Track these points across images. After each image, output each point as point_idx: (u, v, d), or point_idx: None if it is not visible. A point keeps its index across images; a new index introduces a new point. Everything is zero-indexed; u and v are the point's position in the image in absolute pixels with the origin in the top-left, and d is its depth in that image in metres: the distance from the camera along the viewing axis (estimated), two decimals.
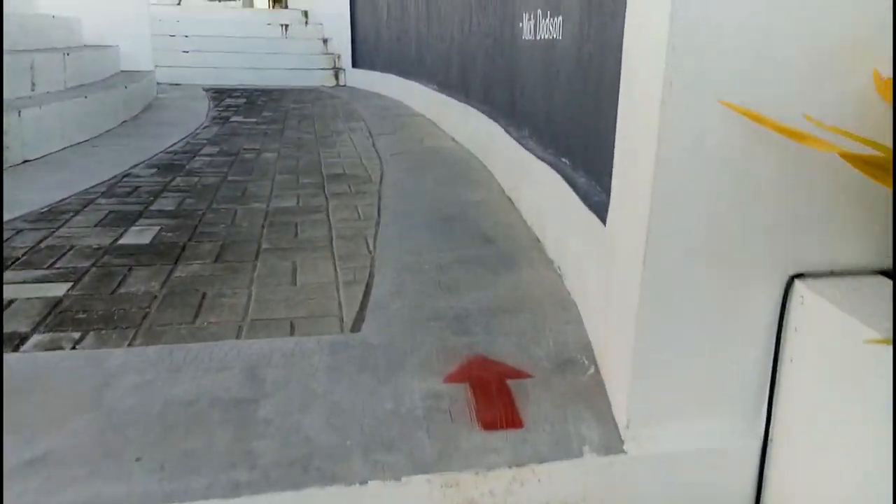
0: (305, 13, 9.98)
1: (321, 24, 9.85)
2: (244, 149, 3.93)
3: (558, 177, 1.94)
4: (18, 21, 4.57)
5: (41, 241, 2.10)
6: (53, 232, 2.20)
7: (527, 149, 2.43)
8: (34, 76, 3.92)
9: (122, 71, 6.56)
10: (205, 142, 4.17)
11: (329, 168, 3.43)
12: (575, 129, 1.95)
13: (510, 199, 2.72)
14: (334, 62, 9.35)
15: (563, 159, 2.06)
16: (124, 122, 4.86)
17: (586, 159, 1.84)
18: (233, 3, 12.91)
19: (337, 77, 9.14)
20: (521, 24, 2.67)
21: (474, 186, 3.02)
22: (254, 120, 5.31)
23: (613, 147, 1.30)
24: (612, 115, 1.40)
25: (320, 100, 7.02)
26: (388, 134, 4.68)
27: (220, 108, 6.04)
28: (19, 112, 3.24)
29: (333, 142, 4.30)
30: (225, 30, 9.49)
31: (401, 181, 3.14)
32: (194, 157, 3.65)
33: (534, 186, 2.30)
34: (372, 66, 8.08)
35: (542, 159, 2.19)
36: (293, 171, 3.33)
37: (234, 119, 5.35)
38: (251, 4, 12.47)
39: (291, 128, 4.91)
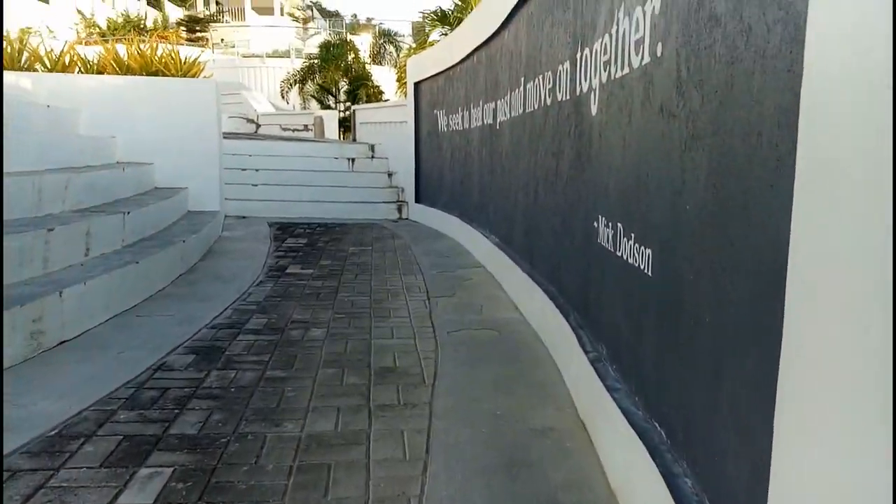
0: (372, 147, 10.19)
1: (387, 157, 10.02)
2: (293, 321, 3.68)
3: (653, 464, 1.51)
4: (87, 180, 4.64)
5: (29, 499, 1.79)
6: (50, 478, 1.91)
7: (605, 384, 2.02)
8: (89, 242, 3.86)
9: (190, 212, 6.66)
10: (254, 308, 3.96)
11: (379, 356, 3.11)
12: (675, 398, 1.54)
13: (585, 428, 2.29)
14: (398, 195, 9.40)
15: (658, 426, 1.64)
16: (181, 275, 4.77)
17: (693, 453, 1.41)
18: (307, 133, 13.49)
19: (400, 211, 9.13)
20: (595, 225, 2.35)
21: (541, 398, 2.60)
22: (310, 271, 5.15)
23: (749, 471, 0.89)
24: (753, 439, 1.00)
25: (381, 240, 6.89)
26: (446, 296, 4.37)
27: (279, 253, 5.95)
28: (60, 293, 3.10)
29: (388, 310, 4.02)
30: (294, 164, 9.75)
31: (457, 384, 2.76)
32: (238, 333, 3.41)
33: (617, 444, 1.87)
34: (434, 203, 8.01)
35: (627, 414, 1.77)
36: (339, 362, 3.01)
37: (290, 270, 5.21)
38: (322, 134, 12.97)
39: (347, 285, 4.70)
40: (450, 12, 9.61)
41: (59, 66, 6.53)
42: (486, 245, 5.36)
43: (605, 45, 2.15)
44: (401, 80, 10.04)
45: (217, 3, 50.57)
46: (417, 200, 8.82)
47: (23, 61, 6.52)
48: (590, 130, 2.46)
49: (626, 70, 1.91)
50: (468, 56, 6.06)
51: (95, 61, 6.95)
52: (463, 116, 6.51)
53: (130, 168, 5.73)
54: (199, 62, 7.07)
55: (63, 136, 5.03)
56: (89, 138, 5.61)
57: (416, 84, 8.42)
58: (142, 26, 38.87)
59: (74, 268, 3.63)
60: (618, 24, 1.98)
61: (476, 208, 6.02)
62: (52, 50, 6.79)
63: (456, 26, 9.11)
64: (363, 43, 20.79)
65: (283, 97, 18.31)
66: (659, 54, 1.66)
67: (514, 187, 4.44)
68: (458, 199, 6.85)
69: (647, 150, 1.76)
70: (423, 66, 8.13)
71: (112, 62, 6.86)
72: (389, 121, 9.80)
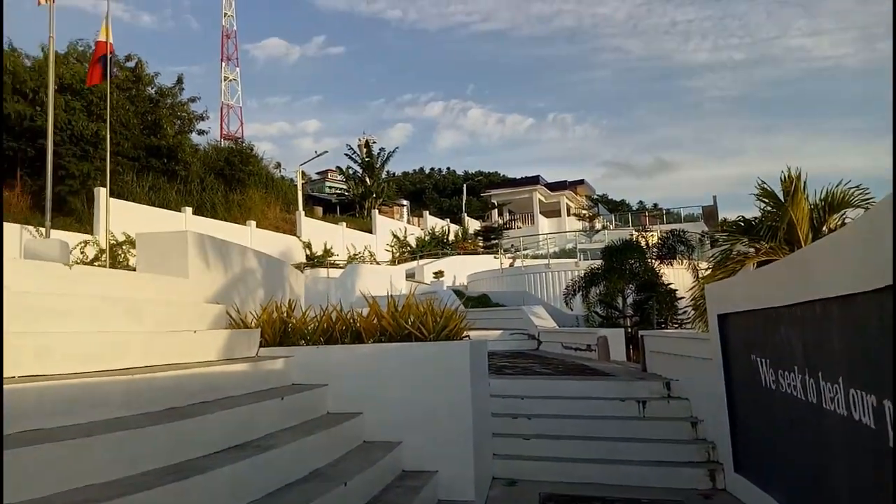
0: (667, 384, 8.21)
1: (687, 399, 7.92)
2: None
3: None
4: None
5: None
6: None
7: None
8: None
9: (440, 502, 5.49)
10: None
11: None
12: None
13: None
14: (707, 453, 7.09)
15: None
16: None
17: None
18: (590, 354, 12.02)
19: (713, 478, 6.77)
20: None
21: None
22: None
23: None
24: None
25: None
26: None
27: None
28: None
29: None
30: (573, 408, 8.24)
31: None
32: None
33: None
34: (766, 485, 5.58)
35: None
36: None
37: None
38: (606, 357, 11.34)
39: None
40: (756, 222, 7.66)
41: (316, 335, 6.22)
42: None
43: None
44: (697, 305, 8.12)
45: (510, 213, 55.23)
46: (737, 469, 6.41)
47: (289, 331, 6.39)
48: None
49: None
50: (807, 303, 4.09)
51: (357, 323, 6.57)
52: (804, 383, 4.36)
53: (372, 469, 4.73)
54: (456, 317, 6.22)
55: (295, 449, 4.26)
56: (327, 433, 4.83)
57: (721, 316, 6.48)
58: (445, 240, 43.72)
59: None
60: None
61: None
62: (316, 315, 6.60)
63: (767, 240, 7.15)
64: (652, 236, 19.34)
65: (566, 304, 17.41)
66: None
67: None
68: None
69: None
70: (729, 296, 6.23)
71: (372, 323, 6.40)
72: (687, 354, 7.82)
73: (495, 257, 32.41)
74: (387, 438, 5.61)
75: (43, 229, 12.99)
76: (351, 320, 6.63)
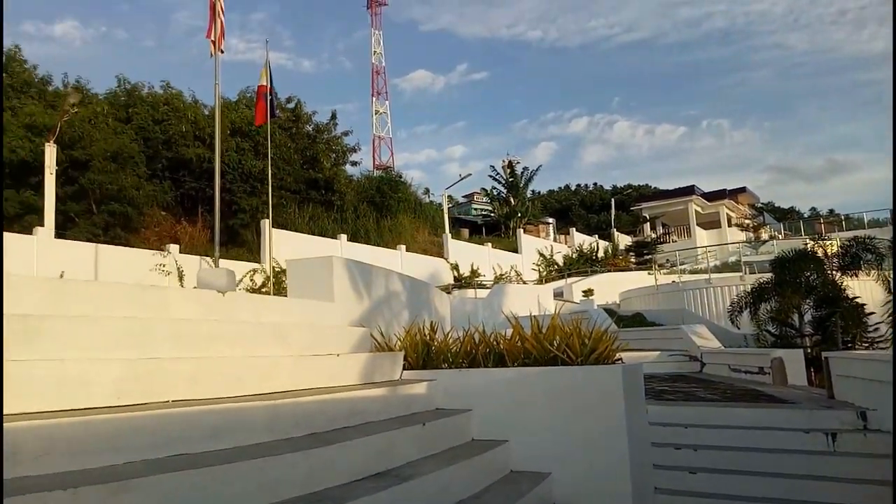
0: (863, 414, 7.06)
1: (890, 432, 6.73)
2: None
3: None
4: None
5: None
6: None
7: None
8: None
9: None
10: None
11: None
12: None
13: None
14: None
15: None
16: None
17: None
18: (763, 378, 10.80)
19: None
20: None
21: None
22: None
23: None
24: None
25: None
26: None
27: None
28: None
29: None
30: (747, 438, 7.36)
31: None
32: None
33: None
34: None
35: None
36: None
37: None
38: (783, 381, 10.10)
39: None
40: None
41: (459, 358, 6.06)
42: None
43: None
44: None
45: (663, 226, 52.44)
46: None
47: (432, 353, 6.30)
48: None
49: None
50: None
51: (500, 345, 6.33)
52: None
53: (519, 480, 4.44)
54: (606, 338, 5.77)
55: (436, 479, 4.09)
56: (470, 462, 4.61)
57: None
58: (594, 258, 42.37)
59: None
60: None
61: None
62: (459, 336, 6.46)
63: None
64: (831, 245, 17.25)
65: (732, 322, 15.95)
66: None
67: None
68: None
69: None
70: None
71: (515, 346, 6.13)
72: (886, 380, 6.68)
73: (649, 273, 30.71)
74: (534, 469, 5.26)
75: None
76: (494, 342, 6.40)
